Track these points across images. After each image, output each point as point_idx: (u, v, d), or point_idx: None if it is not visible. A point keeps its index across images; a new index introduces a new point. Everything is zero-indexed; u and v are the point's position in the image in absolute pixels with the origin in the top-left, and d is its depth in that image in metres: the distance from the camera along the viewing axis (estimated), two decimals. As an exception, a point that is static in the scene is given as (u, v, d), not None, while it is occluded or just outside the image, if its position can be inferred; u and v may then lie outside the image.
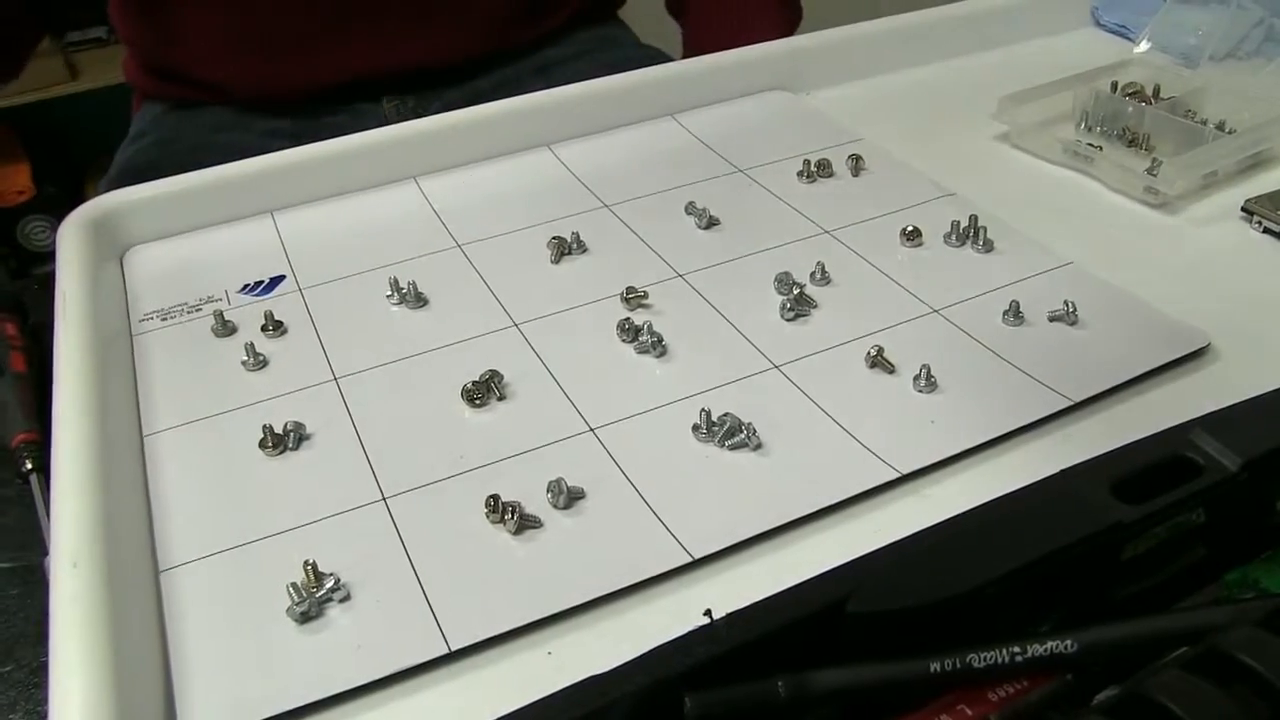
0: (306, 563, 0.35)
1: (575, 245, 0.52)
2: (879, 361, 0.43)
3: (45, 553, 0.45)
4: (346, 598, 0.35)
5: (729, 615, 0.28)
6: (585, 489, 0.38)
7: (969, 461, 0.39)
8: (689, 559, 0.36)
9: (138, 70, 0.83)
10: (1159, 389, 0.42)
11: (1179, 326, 0.44)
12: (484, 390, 0.43)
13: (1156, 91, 0.61)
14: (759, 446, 0.40)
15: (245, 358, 0.46)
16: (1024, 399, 0.41)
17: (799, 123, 0.64)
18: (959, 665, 0.27)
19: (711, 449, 0.40)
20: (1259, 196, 0.52)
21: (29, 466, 0.50)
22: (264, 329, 0.48)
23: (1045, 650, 0.27)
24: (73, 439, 0.39)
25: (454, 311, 0.49)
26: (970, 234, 0.51)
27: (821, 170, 0.57)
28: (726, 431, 0.40)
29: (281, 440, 0.41)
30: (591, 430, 0.41)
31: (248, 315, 0.49)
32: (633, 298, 0.48)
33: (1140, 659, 0.27)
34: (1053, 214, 0.54)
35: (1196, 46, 0.66)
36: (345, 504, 0.39)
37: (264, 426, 0.41)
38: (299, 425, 0.42)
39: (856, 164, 0.58)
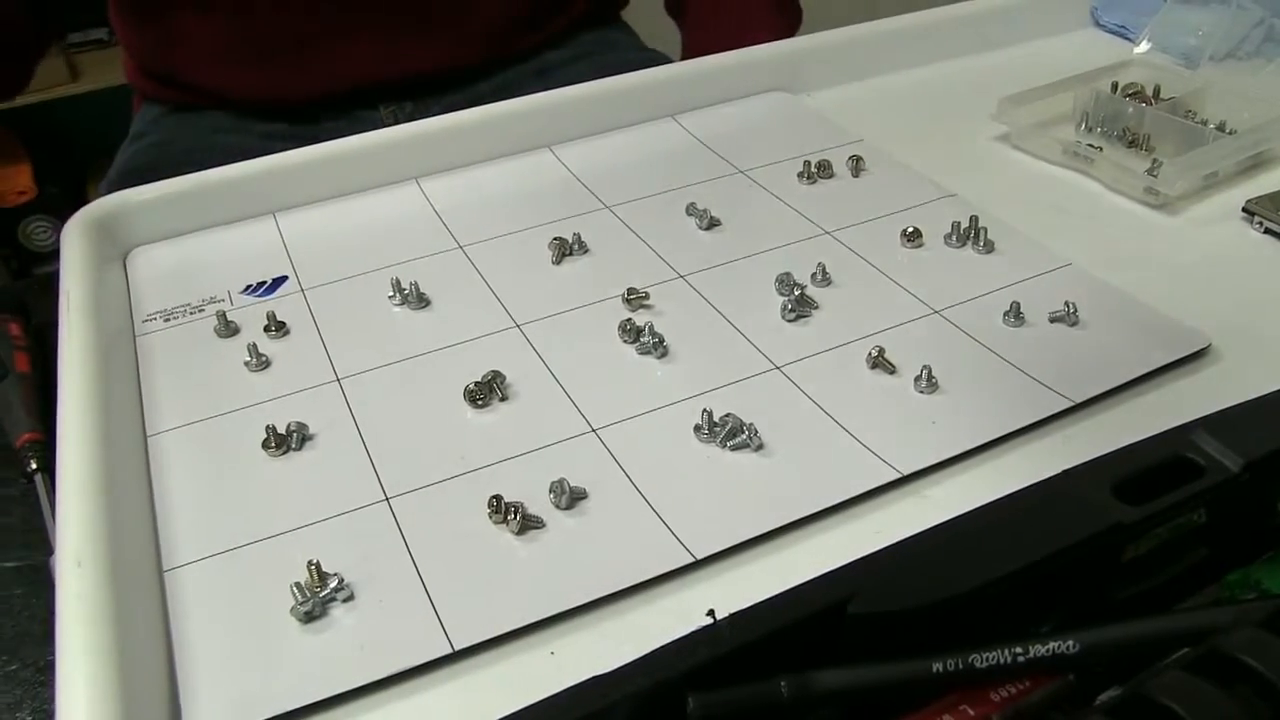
0: (310, 562, 0.35)
1: (577, 246, 0.52)
2: (880, 362, 0.43)
3: (50, 552, 0.45)
4: (350, 597, 0.35)
5: (731, 615, 0.28)
6: (587, 489, 0.39)
7: (970, 462, 0.39)
8: (691, 559, 0.36)
9: (136, 72, 0.83)
10: (1160, 390, 0.42)
11: (1180, 327, 0.45)
12: (486, 391, 0.43)
13: (1157, 92, 0.61)
14: (760, 447, 0.40)
15: (248, 358, 0.46)
16: (1025, 400, 0.41)
17: (799, 124, 0.64)
18: (961, 665, 0.27)
19: (713, 449, 0.40)
20: (1259, 197, 0.53)
21: (34, 466, 0.50)
22: (267, 330, 0.48)
23: (1047, 651, 0.27)
24: (77, 439, 0.39)
25: (456, 312, 0.49)
26: (971, 235, 0.51)
27: (822, 171, 0.57)
28: (728, 432, 0.40)
29: (284, 441, 0.41)
30: (593, 431, 0.41)
31: (250, 316, 0.49)
32: (634, 298, 0.48)
33: (1142, 660, 0.27)
34: (1053, 215, 0.54)
35: (1197, 47, 0.66)
36: (348, 504, 0.39)
37: (267, 427, 0.41)
38: (302, 426, 0.42)
39: (857, 165, 0.58)
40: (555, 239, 0.52)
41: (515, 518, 0.37)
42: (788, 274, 0.48)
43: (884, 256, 0.51)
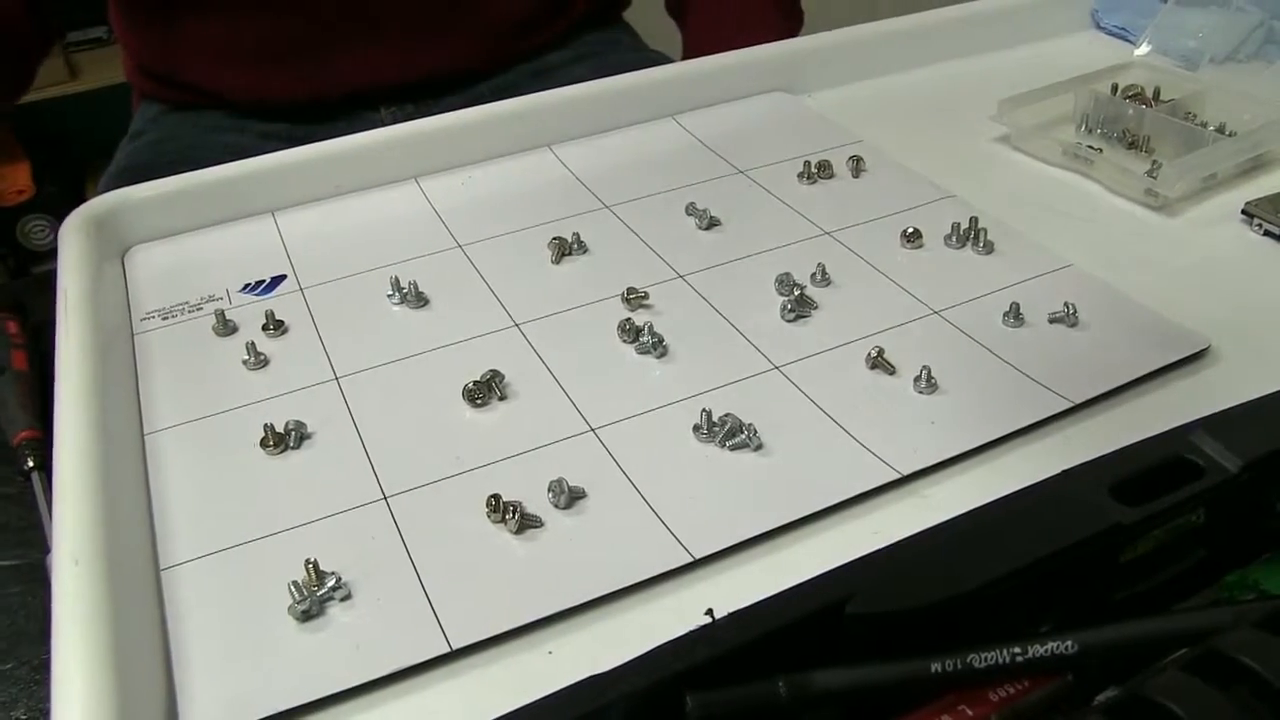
0: (308, 561, 0.35)
1: (576, 246, 0.52)
2: (879, 363, 0.43)
3: (47, 550, 0.45)
4: (347, 596, 0.35)
5: (730, 615, 0.28)
6: (586, 489, 0.39)
7: (969, 463, 0.39)
8: (689, 559, 0.36)
9: (136, 71, 0.83)
10: (1159, 391, 0.42)
11: (1179, 329, 0.45)
12: (485, 390, 0.43)
13: (1157, 94, 0.61)
14: (759, 447, 0.40)
15: (246, 357, 0.46)
16: (1024, 400, 0.41)
17: (799, 124, 0.64)
18: (960, 666, 0.27)
19: (712, 449, 0.40)
20: (1259, 199, 0.53)
21: (30, 464, 0.50)
22: (265, 328, 0.48)
23: (1046, 651, 0.27)
24: (74, 437, 0.39)
25: (455, 311, 0.49)
26: (970, 236, 0.51)
27: (822, 171, 0.57)
28: (727, 432, 0.40)
29: (282, 439, 0.41)
30: (592, 430, 0.41)
31: (249, 314, 0.49)
32: (633, 298, 0.48)
33: (1140, 660, 0.27)
34: (1053, 216, 0.54)
35: (1197, 49, 0.66)
36: (346, 503, 0.39)
37: (265, 425, 0.41)
38: (300, 424, 0.42)
39: (857, 165, 0.58)
40: (555, 238, 0.52)
41: (513, 517, 0.37)
42: (787, 274, 0.48)
43: (884, 257, 0.51)
